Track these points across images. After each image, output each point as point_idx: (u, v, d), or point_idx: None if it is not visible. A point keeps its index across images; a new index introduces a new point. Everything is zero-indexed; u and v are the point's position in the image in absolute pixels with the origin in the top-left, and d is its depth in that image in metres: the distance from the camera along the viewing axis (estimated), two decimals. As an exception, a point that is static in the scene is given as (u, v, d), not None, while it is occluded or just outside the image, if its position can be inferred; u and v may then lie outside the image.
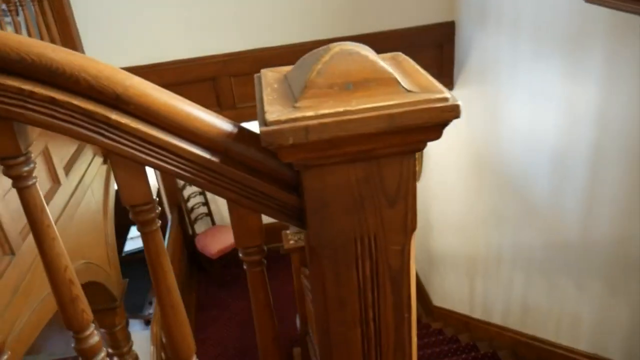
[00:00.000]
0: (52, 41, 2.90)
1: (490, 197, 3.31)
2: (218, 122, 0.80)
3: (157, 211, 0.85)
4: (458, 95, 3.09)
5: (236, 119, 3.01)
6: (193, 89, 3.33)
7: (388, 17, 3.34)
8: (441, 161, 4.17)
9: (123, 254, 6.38)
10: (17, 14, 2.73)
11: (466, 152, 3.58)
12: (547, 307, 2.82)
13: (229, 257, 5.91)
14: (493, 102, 3.07)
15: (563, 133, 2.40)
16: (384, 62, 0.74)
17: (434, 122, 0.70)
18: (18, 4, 2.62)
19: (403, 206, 0.79)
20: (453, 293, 4.37)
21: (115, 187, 3.61)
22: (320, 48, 0.78)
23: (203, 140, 0.78)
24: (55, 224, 2.32)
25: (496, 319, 3.50)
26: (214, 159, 0.78)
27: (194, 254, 6.11)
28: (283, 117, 0.66)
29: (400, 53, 0.90)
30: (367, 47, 0.77)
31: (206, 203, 6.16)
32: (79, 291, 0.91)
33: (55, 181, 2.60)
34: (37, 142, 2.46)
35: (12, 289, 2.06)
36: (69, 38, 3.02)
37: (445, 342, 3.84)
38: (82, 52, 3.12)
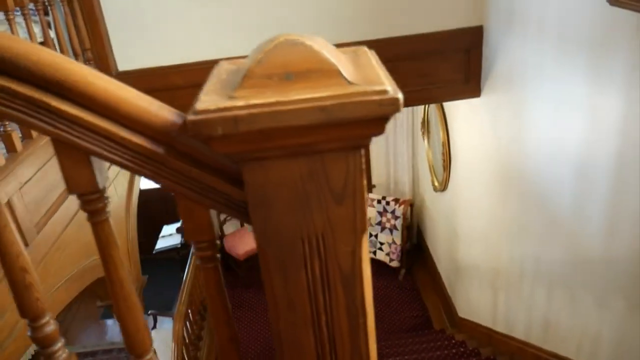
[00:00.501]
0: (81, 41, 2.99)
1: (514, 208, 3.20)
2: (164, 113, 0.78)
3: (107, 201, 0.84)
4: (485, 102, 3.03)
5: None
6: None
7: (415, 21, 3.29)
8: (467, 170, 4.06)
9: (154, 252, 6.51)
10: (47, 14, 2.83)
11: (492, 161, 3.47)
12: (568, 324, 2.69)
13: (256, 259, 5.92)
14: (519, 110, 2.96)
15: (586, 143, 2.29)
16: (330, 54, 0.71)
17: (373, 115, 0.66)
18: (47, 3, 2.71)
19: (351, 205, 0.75)
20: (477, 305, 4.24)
21: (140, 184, 3.68)
22: (270, 37, 0.75)
23: (147, 130, 0.77)
24: (73, 218, 2.36)
25: (518, 333, 3.37)
26: (158, 149, 0.77)
27: (223, 254, 6.16)
28: (212, 107, 0.64)
29: (363, 47, 0.86)
30: (318, 38, 0.74)
31: (235, 204, 6.21)
32: (33, 279, 0.91)
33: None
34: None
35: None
36: (98, 38, 3.10)
37: (466, 355, 3.73)
38: (112, 52, 3.20)
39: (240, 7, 3.21)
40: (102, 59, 3.13)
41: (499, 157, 3.36)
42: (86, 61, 3.04)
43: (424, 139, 5.22)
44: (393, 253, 5.78)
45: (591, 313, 2.46)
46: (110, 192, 3.07)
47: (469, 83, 3.46)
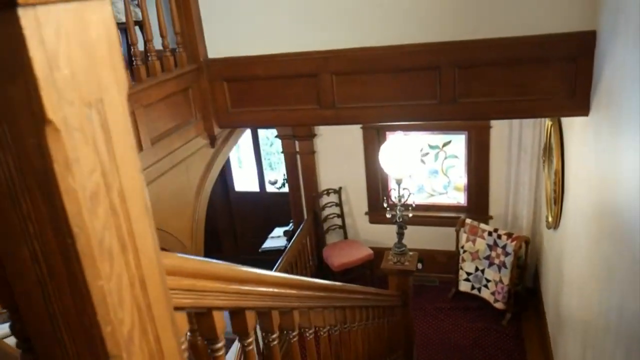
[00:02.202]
0: (173, 25, 3.19)
1: (605, 248, 2.61)
2: None
3: None
4: (593, 122, 2.56)
5: (335, 120, 2.93)
6: (296, 83, 3.35)
7: (511, 21, 2.91)
8: (575, 204, 3.46)
9: (260, 250, 6.71)
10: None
11: (593, 194, 2.90)
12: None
13: (351, 273, 5.77)
14: (617, 133, 2.43)
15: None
16: None
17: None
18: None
19: (22, 83, 0.63)
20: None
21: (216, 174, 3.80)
22: None
23: None
24: None
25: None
26: None
27: (320, 262, 6.12)
28: None
29: None
30: None
31: (341, 215, 6.13)
32: None
33: (138, 146, 2.83)
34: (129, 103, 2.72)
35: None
36: (190, 24, 3.27)
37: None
38: (203, 39, 3.37)
39: (325, 2, 3.15)
40: (192, 44, 3.32)
41: (599, 189, 2.79)
42: (177, 44, 3.24)
43: (543, 168, 4.61)
44: (499, 293, 5.16)
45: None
46: (178, 170, 3.22)
47: (574, 98, 2.95)
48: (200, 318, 1.18)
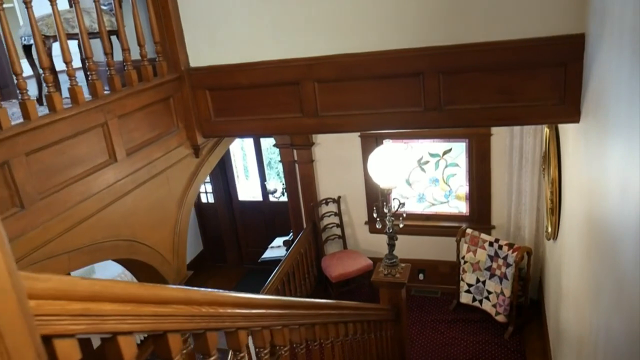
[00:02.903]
0: (153, 35, 3.15)
1: (595, 262, 2.47)
2: None
3: None
4: (583, 129, 2.37)
5: (318, 128, 2.84)
6: (279, 92, 3.27)
7: (497, 25, 2.79)
8: (569, 215, 3.31)
9: (259, 260, 6.63)
10: (120, 7, 3.04)
11: (584, 204, 2.76)
12: None
13: (349, 285, 5.67)
14: (604, 140, 2.30)
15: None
16: None
17: None
18: (116, -5, 2.91)
19: None
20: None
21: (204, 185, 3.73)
22: None
23: None
24: (95, 195, 2.38)
25: None
26: None
27: (319, 272, 6.01)
28: None
29: None
30: None
31: (341, 225, 6.03)
32: None
33: (111, 157, 2.78)
34: (100, 114, 2.67)
35: (13, 235, 2.20)
36: (171, 33, 3.22)
37: None
38: (184, 48, 3.31)
39: (300, 8, 3.08)
40: (172, 53, 3.26)
41: (589, 199, 2.66)
42: (156, 53, 3.19)
43: (543, 176, 4.46)
44: (500, 305, 5.00)
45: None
46: (158, 180, 3.15)
47: (564, 104, 2.82)
48: (106, 343, 1.10)
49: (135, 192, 2.98)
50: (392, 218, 3.73)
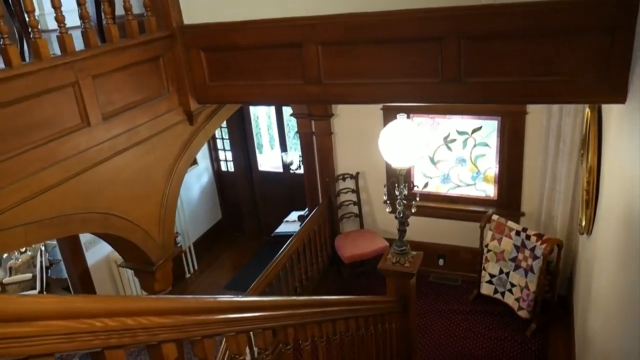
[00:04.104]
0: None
1: (630, 271, 2.06)
2: None
3: None
4: (628, 112, 1.86)
5: (320, 97, 2.44)
6: (279, 55, 2.91)
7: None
8: (607, 210, 2.87)
9: (272, 234, 6.39)
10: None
11: (623, 200, 2.33)
12: None
13: (361, 266, 5.35)
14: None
15: None
16: None
17: None
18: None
19: None
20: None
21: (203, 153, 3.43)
22: None
23: None
24: (60, 163, 2.12)
25: None
26: None
27: (333, 252, 5.71)
28: None
29: None
30: None
31: (358, 203, 5.68)
32: None
33: (84, 120, 2.50)
34: (69, 72, 2.38)
35: None
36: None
37: None
38: (177, 2, 2.98)
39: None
40: (163, 8, 2.93)
41: (631, 194, 2.22)
42: (144, 7, 2.87)
43: (580, 163, 3.98)
44: (524, 300, 4.60)
45: None
46: (140, 149, 2.87)
47: (608, 80, 2.35)
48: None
49: (114, 160, 2.70)
50: (404, 202, 3.36)
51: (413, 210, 3.41)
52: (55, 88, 2.34)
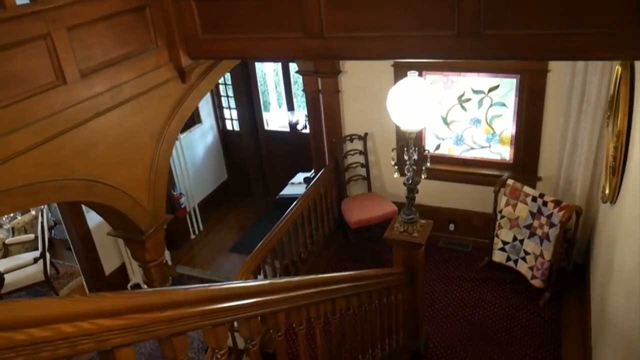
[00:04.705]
0: None
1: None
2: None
3: None
4: None
5: (322, 52, 2.05)
6: (276, 4, 2.61)
7: None
8: (637, 181, 2.61)
9: (278, 197, 6.21)
10: None
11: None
12: None
13: (369, 231, 5.15)
14: None
15: None
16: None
17: None
18: None
19: None
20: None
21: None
22: None
23: None
24: (35, 124, 1.87)
25: None
26: None
27: (340, 216, 5.51)
28: None
29: None
30: None
31: (366, 165, 5.43)
32: None
33: (59, 77, 2.26)
34: (40, 23, 2.12)
35: None
36: None
37: None
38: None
39: None
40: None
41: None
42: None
43: (607, 125, 3.68)
44: (538, 269, 4.39)
45: None
46: (125, 109, 2.63)
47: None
48: None
49: (96, 122, 2.47)
50: (414, 167, 3.12)
51: (423, 177, 3.17)
52: (24, 41, 2.09)
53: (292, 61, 5.46)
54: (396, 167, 3.18)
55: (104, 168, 2.55)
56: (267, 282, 1.64)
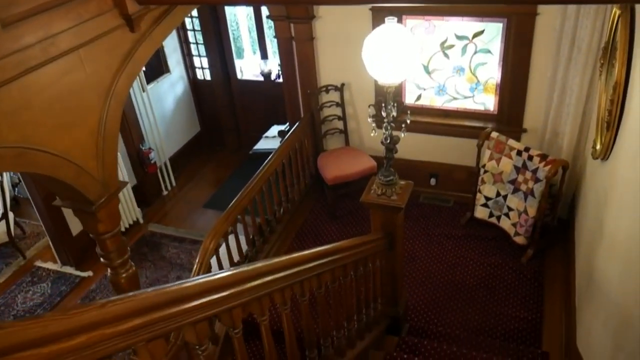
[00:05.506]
0: None
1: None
2: None
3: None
4: None
5: None
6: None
7: None
8: (634, 136, 2.38)
9: (250, 152, 5.91)
10: None
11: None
12: None
13: (344, 187, 4.92)
14: None
15: None
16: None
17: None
18: None
19: None
20: (595, 344, 2.72)
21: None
22: None
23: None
24: None
25: None
26: None
27: (317, 171, 5.26)
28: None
29: None
30: None
31: (343, 118, 5.13)
32: None
33: (-27, 30, 1.90)
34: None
35: None
36: None
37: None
38: None
39: None
40: None
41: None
42: None
43: (600, 75, 3.42)
44: (521, 226, 4.23)
45: None
46: (64, 62, 2.28)
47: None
48: None
49: (26, 79, 2.13)
50: (392, 124, 2.85)
51: (402, 135, 2.90)
52: None
53: (259, 4, 5.04)
54: (374, 124, 2.90)
55: (40, 133, 2.22)
56: (216, 277, 1.38)
